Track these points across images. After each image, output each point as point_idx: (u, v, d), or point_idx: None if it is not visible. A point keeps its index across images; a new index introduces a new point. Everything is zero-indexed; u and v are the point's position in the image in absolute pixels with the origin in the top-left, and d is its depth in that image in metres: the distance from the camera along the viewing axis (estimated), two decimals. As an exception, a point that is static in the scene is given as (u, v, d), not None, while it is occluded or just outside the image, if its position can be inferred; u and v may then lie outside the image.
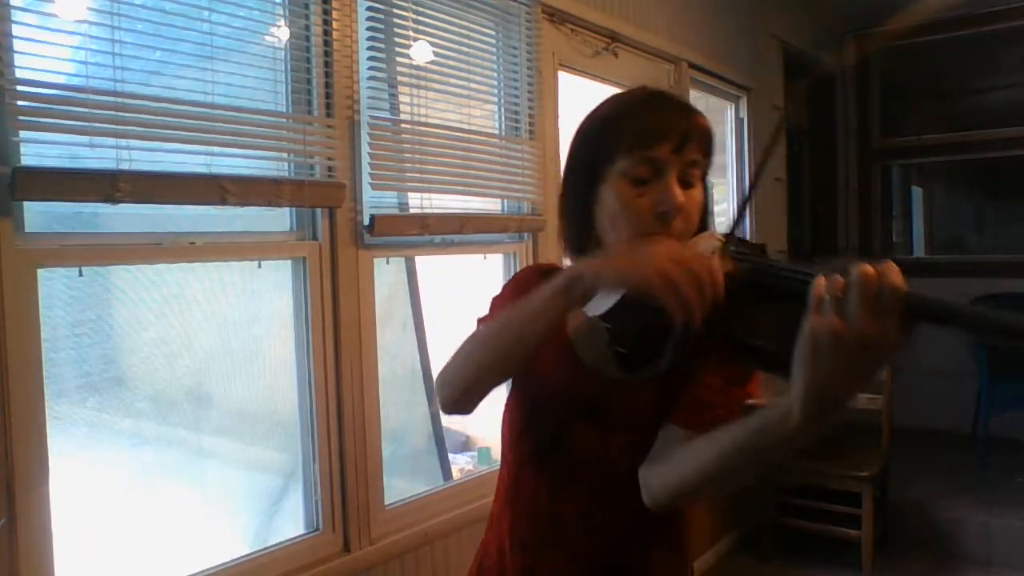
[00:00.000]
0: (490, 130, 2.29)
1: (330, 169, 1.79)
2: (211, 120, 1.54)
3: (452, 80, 2.13)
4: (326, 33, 1.78)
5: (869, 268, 0.62)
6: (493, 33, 2.29)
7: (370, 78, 1.87)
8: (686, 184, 0.92)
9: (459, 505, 2.12)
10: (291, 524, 1.81)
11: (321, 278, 1.81)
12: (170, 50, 1.52)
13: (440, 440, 2.44)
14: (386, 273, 2.10)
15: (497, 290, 1.11)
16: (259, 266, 1.75)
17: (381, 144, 1.90)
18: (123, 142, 1.40)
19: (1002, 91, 4.84)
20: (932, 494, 3.70)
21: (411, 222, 2.00)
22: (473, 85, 2.20)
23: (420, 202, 2.05)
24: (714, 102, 3.68)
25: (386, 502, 1.96)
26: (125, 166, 1.40)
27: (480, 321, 1.07)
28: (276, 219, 1.79)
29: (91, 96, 1.35)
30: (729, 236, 0.84)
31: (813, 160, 4.84)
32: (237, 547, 1.68)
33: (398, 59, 1.97)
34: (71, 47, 1.35)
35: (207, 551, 1.62)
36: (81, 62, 1.35)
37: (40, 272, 1.34)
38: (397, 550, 1.94)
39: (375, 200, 1.92)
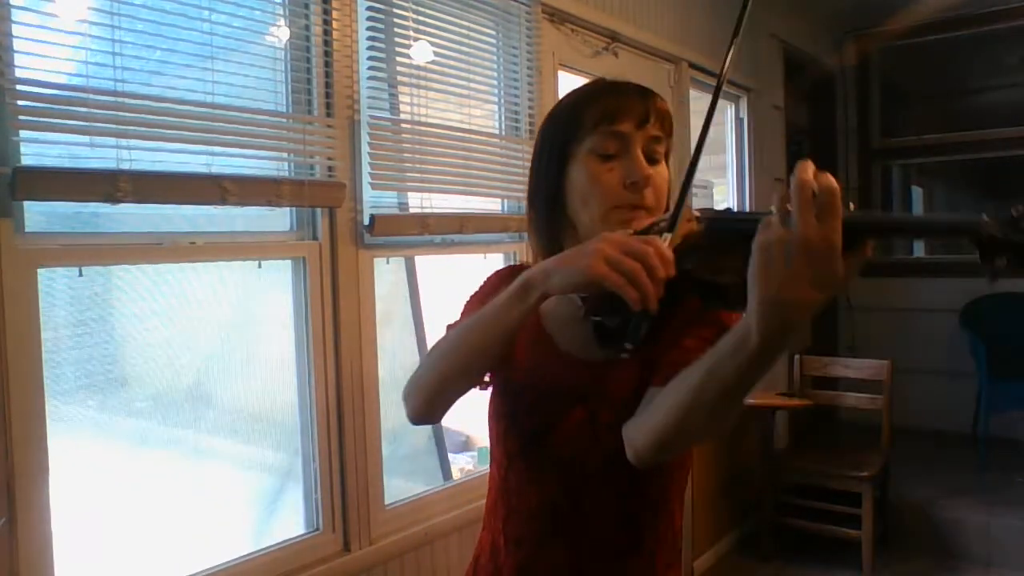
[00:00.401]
0: (490, 130, 2.30)
1: (330, 169, 1.79)
2: (211, 120, 1.54)
3: (452, 80, 2.13)
4: (326, 33, 1.78)
5: (806, 173, 0.63)
6: (493, 33, 2.29)
7: (370, 78, 1.87)
8: (652, 160, 0.97)
9: (459, 505, 2.12)
10: (291, 524, 1.81)
11: (321, 278, 1.81)
12: (170, 50, 1.52)
13: (440, 440, 2.45)
14: (386, 273, 2.10)
15: (468, 295, 1.13)
16: (259, 266, 1.75)
17: (381, 144, 1.90)
18: (123, 142, 1.40)
19: (1002, 91, 4.84)
20: (932, 494, 3.70)
21: (411, 222, 2.00)
22: (473, 85, 2.20)
23: (420, 202, 2.05)
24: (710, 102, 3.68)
25: (386, 502, 1.96)
26: (125, 166, 1.40)
27: (449, 328, 1.08)
28: (276, 219, 1.79)
29: (91, 96, 1.35)
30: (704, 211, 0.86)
31: (813, 160, 4.82)
32: (237, 546, 1.68)
33: (398, 59, 1.97)
34: (71, 47, 1.35)
35: (207, 551, 1.62)
36: (81, 62, 1.35)
37: (40, 272, 1.34)
38: (397, 550, 1.94)
39: (375, 200, 1.92)
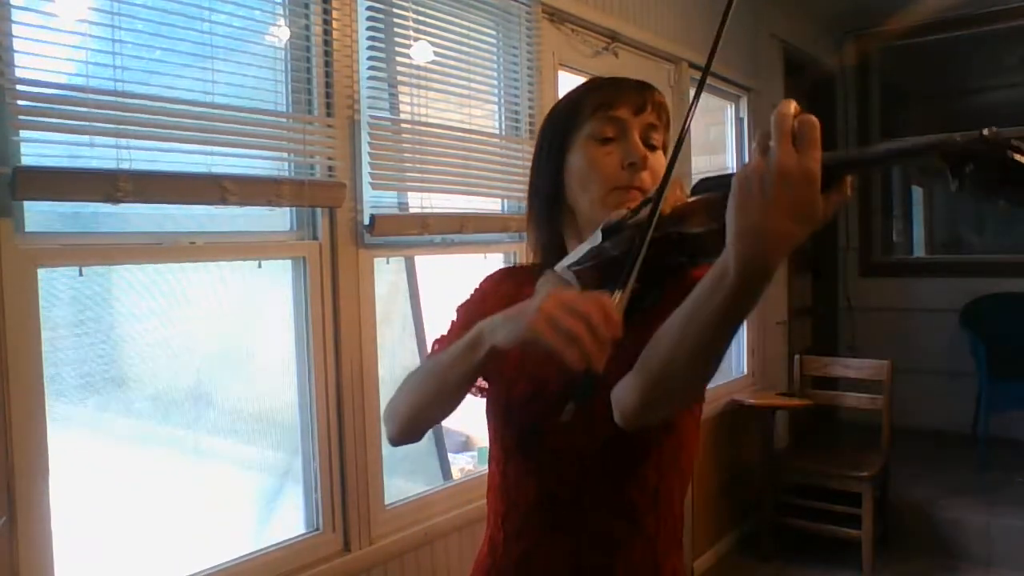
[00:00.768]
0: (490, 130, 2.30)
1: (330, 169, 1.79)
2: (211, 120, 1.54)
3: (452, 80, 2.13)
4: (326, 33, 1.78)
5: (786, 107, 0.63)
6: (493, 33, 2.29)
7: (370, 78, 1.87)
8: (649, 147, 0.99)
9: (459, 505, 2.12)
10: (291, 524, 1.81)
11: (321, 278, 1.81)
12: (170, 50, 1.52)
13: (440, 440, 2.44)
14: (386, 273, 2.10)
15: (460, 301, 1.15)
16: (259, 266, 1.75)
17: (381, 144, 1.90)
18: (123, 142, 1.40)
19: (1002, 91, 4.84)
20: (932, 494, 3.70)
21: (411, 222, 2.00)
22: (473, 85, 2.20)
23: (420, 202, 2.05)
24: (714, 102, 3.69)
25: (386, 502, 1.96)
26: (125, 166, 1.40)
27: (435, 344, 1.11)
28: (276, 219, 1.79)
29: (91, 96, 1.35)
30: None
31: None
32: (237, 546, 1.68)
33: (398, 59, 1.97)
34: (71, 47, 1.35)
35: (207, 550, 1.62)
36: (81, 62, 1.35)
37: (40, 272, 1.34)
38: (397, 550, 1.94)
39: (375, 200, 1.92)
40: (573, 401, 0.78)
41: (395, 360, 2.19)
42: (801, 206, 0.62)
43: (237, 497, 1.83)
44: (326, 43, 1.78)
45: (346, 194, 1.82)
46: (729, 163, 3.84)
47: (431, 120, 2.03)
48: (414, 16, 1.98)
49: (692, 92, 3.19)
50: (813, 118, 0.62)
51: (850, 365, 3.76)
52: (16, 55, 1.27)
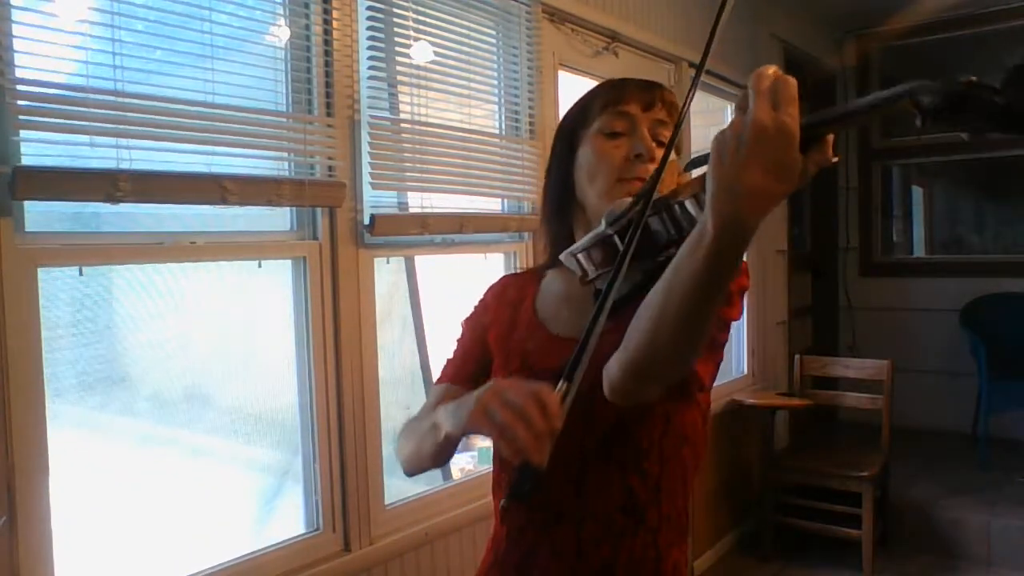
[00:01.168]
0: (490, 130, 2.30)
1: (330, 168, 1.79)
2: (211, 119, 1.54)
3: (452, 80, 2.13)
4: (326, 33, 1.78)
5: (765, 68, 0.64)
6: (493, 33, 2.29)
7: (370, 78, 1.87)
8: (658, 143, 1.01)
9: (459, 505, 2.12)
10: (291, 524, 1.81)
11: (321, 277, 1.81)
12: (170, 50, 1.52)
13: (440, 440, 2.44)
14: (386, 273, 2.10)
15: (466, 314, 1.18)
16: (259, 266, 1.75)
17: (381, 144, 1.90)
18: (123, 141, 1.40)
19: (1002, 91, 4.83)
20: (932, 494, 3.70)
21: (411, 221, 2.00)
22: (473, 85, 2.20)
23: (420, 201, 2.05)
24: (714, 102, 3.69)
25: (386, 502, 1.96)
26: (125, 165, 1.40)
27: (448, 362, 1.14)
28: (276, 219, 1.79)
29: (91, 96, 1.35)
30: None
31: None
32: (237, 546, 1.68)
33: (398, 59, 1.97)
34: (71, 47, 1.35)
35: (207, 550, 1.62)
36: (81, 62, 1.35)
37: (40, 271, 1.34)
38: (397, 550, 1.94)
39: (375, 199, 1.92)
40: (510, 497, 0.76)
41: (395, 360, 2.19)
42: (777, 162, 0.62)
43: (237, 497, 1.83)
44: (326, 43, 1.78)
45: (346, 194, 1.82)
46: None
47: (431, 120, 2.03)
48: (414, 16, 1.98)
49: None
50: (790, 77, 0.63)
51: (850, 365, 3.76)
52: (16, 55, 1.27)
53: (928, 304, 4.71)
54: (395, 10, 1.93)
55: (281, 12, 1.74)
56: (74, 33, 1.36)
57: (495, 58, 2.29)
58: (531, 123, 2.34)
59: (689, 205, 0.78)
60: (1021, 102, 0.60)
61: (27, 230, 1.35)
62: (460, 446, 1.04)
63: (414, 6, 1.98)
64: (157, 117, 1.45)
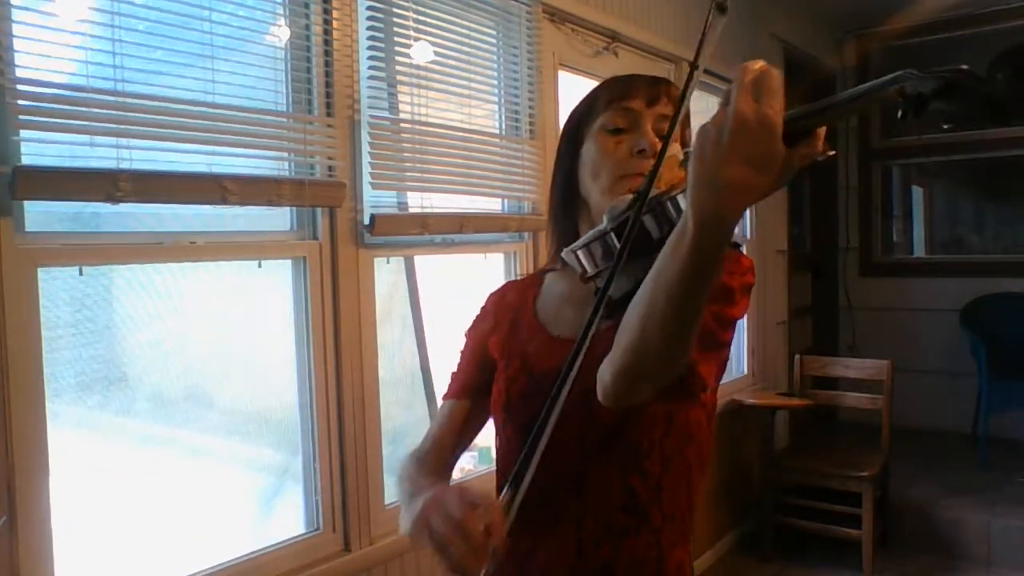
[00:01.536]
0: (490, 129, 2.30)
1: (330, 168, 1.79)
2: (211, 119, 1.54)
3: (452, 80, 2.13)
4: (326, 33, 1.78)
5: (750, 62, 0.63)
6: (493, 33, 2.29)
7: (370, 77, 1.87)
8: (663, 139, 0.96)
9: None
10: (291, 524, 1.81)
11: (321, 277, 1.81)
12: (171, 49, 1.52)
13: (440, 440, 2.43)
14: (386, 273, 2.10)
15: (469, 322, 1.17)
16: (259, 265, 1.75)
17: (381, 143, 1.90)
18: (123, 141, 1.40)
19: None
20: (932, 494, 3.70)
21: (411, 221, 2.00)
22: (473, 85, 2.20)
23: (420, 201, 2.05)
24: (714, 102, 3.68)
25: (386, 502, 1.95)
26: (125, 165, 1.40)
27: (453, 374, 1.14)
28: (276, 218, 1.79)
29: (92, 95, 1.35)
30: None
31: (813, 160, 4.83)
32: (237, 546, 1.68)
33: (398, 59, 1.97)
34: (71, 47, 1.35)
35: (207, 550, 1.62)
36: (82, 61, 1.35)
37: (40, 271, 1.34)
38: (397, 550, 1.94)
39: (375, 199, 1.92)
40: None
41: (395, 360, 2.19)
42: (759, 155, 0.61)
43: (237, 497, 1.83)
44: (326, 43, 1.78)
45: (346, 194, 1.82)
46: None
47: (431, 120, 2.03)
48: (414, 16, 1.98)
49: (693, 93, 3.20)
50: (774, 69, 0.62)
51: (850, 365, 3.76)
52: (16, 55, 1.27)
53: (928, 304, 4.71)
54: (395, 10, 1.93)
55: (281, 12, 1.74)
56: (74, 33, 1.36)
57: (495, 58, 2.29)
58: (531, 123, 2.34)
59: (681, 201, 0.77)
60: (1004, 90, 0.60)
61: (27, 230, 1.35)
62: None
63: (414, 6, 1.98)
64: (157, 117, 1.45)
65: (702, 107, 3.60)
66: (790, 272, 4.28)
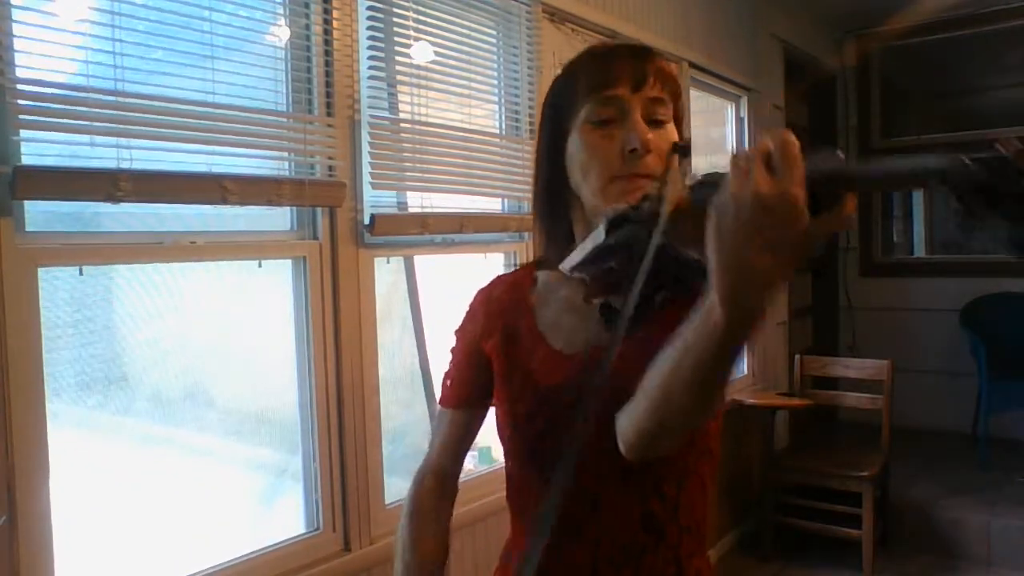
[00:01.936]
0: (491, 129, 2.30)
1: (330, 168, 1.79)
2: (212, 119, 1.54)
3: (452, 80, 2.13)
4: (326, 32, 1.78)
5: (765, 136, 0.58)
6: (493, 33, 2.29)
7: (370, 77, 1.87)
8: (655, 124, 0.91)
9: (460, 505, 2.08)
10: (291, 523, 1.81)
11: (321, 277, 1.81)
12: (171, 50, 1.52)
13: (440, 440, 2.43)
14: (386, 272, 2.10)
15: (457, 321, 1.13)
16: (259, 265, 1.75)
17: (381, 143, 1.90)
18: (124, 141, 1.40)
19: (1002, 91, 4.84)
20: (932, 494, 3.70)
21: (411, 221, 2.00)
22: (474, 85, 2.20)
23: (420, 201, 2.05)
24: (714, 102, 3.69)
25: (386, 502, 1.95)
26: (126, 165, 1.40)
27: (445, 375, 1.11)
28: (276, 218, 1.79)
29: (92, 95, 1.35)
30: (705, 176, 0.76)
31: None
32: (237, 546, 1.68)
33: (398, 59, 1.97)
34: (72, 46, 1.35)
35: (207, 550, 1.62)
36: (82, 61, 1.35)
37: (40, 271, 1.34)
38: (397, 550, 1.94)
39: (375, 199, 1.92)
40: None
41: (395, 360, 2.19)
42: (780, 237, 0.56)
43: (237, 497, 1.83)
44: (326, 43, 1.78)
45: (346, 194, 1.82)
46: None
47: (431, 120, 2.03)
48: (414, 16, 1.98)
49: (691, 92, 3.20)
50: (791, 137, 0.57)
51: (850, 365, 3.77)
52: (16, 55, 1.27)
53: (928, 304, 4.71)
54: (395, 10, 1.93)
55: (281, 12, 1.74)
56: (74, 33, 1.36)
57: (495, 58, 2.29)
58: (531, 123, 2.34)
59: (695, 254, 0.71)
60: None
61: (27, 230, 1.35)
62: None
63: (414, 6, 1.98)
64: (158, 117, 1.45)
65: (702, 107, 3.61)
66: (790, 272, 4.27)
